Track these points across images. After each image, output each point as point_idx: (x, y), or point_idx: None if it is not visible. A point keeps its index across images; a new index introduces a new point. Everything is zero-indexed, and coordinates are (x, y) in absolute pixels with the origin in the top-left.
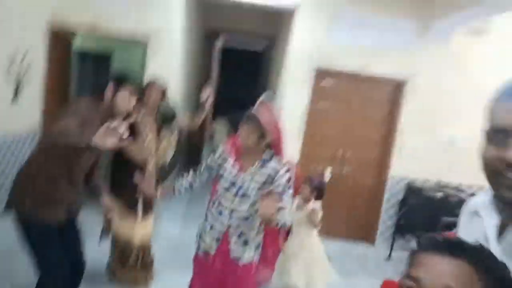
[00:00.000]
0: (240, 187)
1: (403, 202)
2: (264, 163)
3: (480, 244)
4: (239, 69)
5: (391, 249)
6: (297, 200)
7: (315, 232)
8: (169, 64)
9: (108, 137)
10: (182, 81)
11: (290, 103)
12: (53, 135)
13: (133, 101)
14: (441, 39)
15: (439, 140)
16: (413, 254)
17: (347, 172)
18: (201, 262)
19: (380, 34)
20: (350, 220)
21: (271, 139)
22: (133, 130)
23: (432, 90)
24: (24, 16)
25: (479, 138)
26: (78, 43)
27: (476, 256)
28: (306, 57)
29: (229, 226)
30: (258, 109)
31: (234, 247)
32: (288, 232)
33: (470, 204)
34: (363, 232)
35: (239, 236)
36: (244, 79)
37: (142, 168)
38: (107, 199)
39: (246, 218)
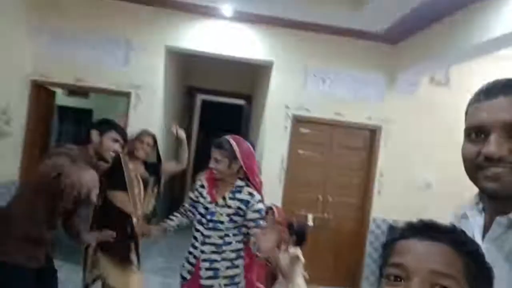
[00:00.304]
0: (212, 216)
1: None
2: (235, 192)
3: (453, 225)
4: (219, 122)
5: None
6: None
7: (299, 280)
8: (150, 117)
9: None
10: (162, 134)
11: (271, 151)
12: (45, 171)
13: (118, 145)
14: (408, 88)
15: (416, 182)
16: (392, 243)
17: (329, 217)
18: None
19: (352, 86)
20: (334, 266)
21: (242, 164)
22: (122, 181)
23: (405, 135)
24: (7, 68)
25: (455, 179)
26: (60, 97)
27: (452, 235)
28: (283, 108)
29: (201, 253)
30: (228, 138)
31: (204, 275)
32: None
33: (457, 211)
34: (348, 277)
35: (210, 266)
36: (224, 131)
37: (129, 219)
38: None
39: (218, 248)
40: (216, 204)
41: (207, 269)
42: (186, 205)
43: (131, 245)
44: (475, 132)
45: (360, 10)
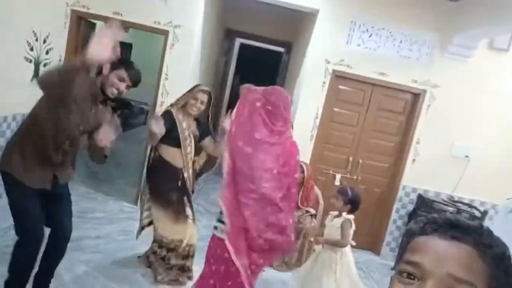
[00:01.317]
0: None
1: (413, 214)
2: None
3: (480, 223)
4: (256, 68)
5: (397, 261)
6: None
7: (347, 249)
8: (186, 58)
9: (102, 50)
10: (199, 74)
11: (305, 105)
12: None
13: (124, 85)
14: (463, 52)
15: (455, 154)
16: (411, 237)
17: (357, 179)
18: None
19: (400, 44)
20: (357, 229)
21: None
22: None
23: (450, 103)
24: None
25: (494, 154)
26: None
27: (477, 236)
28: (323, 61)
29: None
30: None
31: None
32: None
33: (507, 203)
34: (370, 241)
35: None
36: (261, 77)
37: (181, 174)
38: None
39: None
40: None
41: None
42: None
43: (185, 199)
44: None
45: None
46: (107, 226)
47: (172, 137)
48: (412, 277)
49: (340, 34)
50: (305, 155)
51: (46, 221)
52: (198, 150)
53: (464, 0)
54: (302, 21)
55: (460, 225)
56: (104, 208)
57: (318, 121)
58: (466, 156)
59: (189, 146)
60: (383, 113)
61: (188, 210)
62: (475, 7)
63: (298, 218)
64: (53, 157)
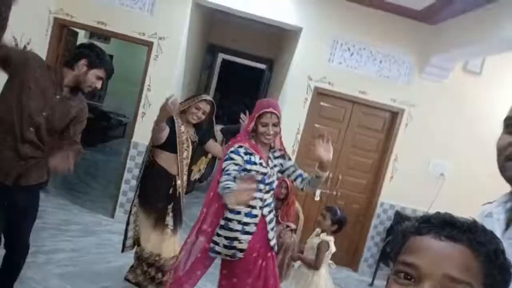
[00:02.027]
0: (268, 179)
1: (390, 230)
2: (273, 152)
3: (473, 220)
4: (238, 84)
5: (374, 276)
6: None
7: (323, 270)
8: (169, 70)
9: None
10: (181, 87)
11: (287, 121)
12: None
13: (101, 82)
14: (439, 74)
15: (431, 172)
16: (406, 236)
17: (336, 195)
18: (231, 264)
19: (380, 64)
20: (335, 245)
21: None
22: (172, 143)
23: (427, 122)
24: (32, 3)
25: (469, 173)
26: (81, 39)
27: (471, 235)
28: (306, 78)
29: (263, 217)
30: (267, 104)
31: (271, 237)
32: None
33: (485, 208)
34: (348, 258)
35: (272, 226)
36: (242, 93)
37: (173, 180)
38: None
39: (270, 207)
40: (269, 166)
41: (271, 229)
42: (235, 167)
43: (169, 207)
44: None
45: None
46: (82, 239)
47: (168, 140)
48: (409, 277)
49: (322, 52)
50: None
51: (3, 229)
52: (196, 158)
53: (440, 24)
54: (284, 38)
55: (454, 223)
56: (80, 221)
57: (299, 136)
58: (442, 175)
59: (186, 151)
60: (363, 130)
61: (169, 220)
62: (451, 30)
63: (279, 233)
64: (20, 150)
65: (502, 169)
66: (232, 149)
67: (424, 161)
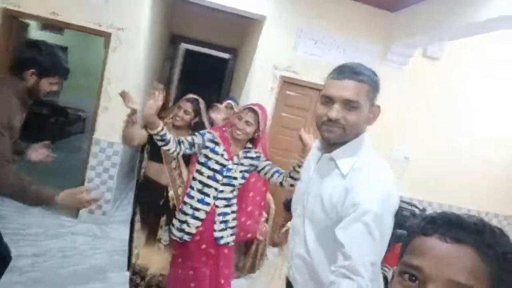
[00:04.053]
0: (228, 172)
1: None
2: (246, 152)
3: (481, 221)
4: (202, 74)
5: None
6: None
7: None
8: (130, 62)
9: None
10: (143, 80)
11: None
12: None
13: (56, 86)
14: (400, 60)
15: (395, 157)
16: (412, 235)
17: None
18: (181, 247)
19: (344, 51)
20: None
21: (261, 131)
22: (157, 152)
23: (390, 108)
24: None
25: (431, 155)
26: (33, 31)
27: (478, 237)
28: (271, 67)
29: (216, 207)
30: (254, 104)
31: (218, 228)
32: None
33: (315, 143)
34: None
35: (223, 219)
36: (206, 84)
37: (165, 191)
38: None
39: (228, 201)
40: (232, 161)
41: (221, 222)
42: (182, 138)
43: (161, 220)
44: (326, 99)
45: None
46: (45, 243)
47: (154, 150)
48: (413, 278)
49: (287, 40)
50: None
51: None
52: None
53: (401, 10)
54: (248, 27)
55: (461, 224)
56: (41, 223)
57: (267, 126)
58: (406, 158)
59: (174, 161)
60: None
61: (162, 233)
62: (411, 17)
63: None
64: None
65: (320, 131)
66: (202, 132)
67: (388, 147)
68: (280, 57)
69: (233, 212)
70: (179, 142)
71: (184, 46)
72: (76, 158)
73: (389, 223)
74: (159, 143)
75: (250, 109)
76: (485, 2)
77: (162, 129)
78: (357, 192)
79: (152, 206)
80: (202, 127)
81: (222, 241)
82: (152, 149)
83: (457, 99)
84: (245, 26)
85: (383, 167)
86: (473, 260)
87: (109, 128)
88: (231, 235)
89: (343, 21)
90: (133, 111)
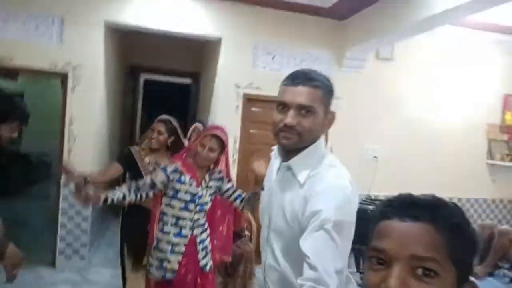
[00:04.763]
0: (199, 199)
1: None
2: (211, 174)
3: (434, 196)
4: (164, 102)
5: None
6: None
7: None
8: (90, 100)
9: None
10: (106, 114)
11: None
12: None
13: (17, 131)
14: (356, 64)
15: (365, 156)
16: (375, 221)
17: None
18: (165, 284)
19: (301, 63)
20: None
21: (223, 158)
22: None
23: (354, 111)
24: None
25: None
26: None
27: (432, 212)
28: (233, 86)
29: (195, 237)
30: (215, 128)
31: (201, 256)
32: None
33: (274, 150)
34: None
35: (203, 246)
36: (171, 110)
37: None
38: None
39: (203, 227)
40: (201, 187)
41: (202, 249)
42: (141, 183)
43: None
44: (281, 106)
45: None
46: None
47: (133, 175)
48: (381, 262)
49: (245, 58)
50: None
51: None
52: None
53: (349, 18)
54: (207, 50)
55: (417, 203)
56: (18, 280)
57: (237, 145)
58: (375, 157)
59: None
60: None
61: (148, 259)
62: (359, 23)
63: (237, 245)
64: None
65: (276, 138)
66: (162, 166)
67: (357, 148)
68: (240, 75)
69: (208, 236)
70: (138, 189)
71: (144, 76)
72: (45, 206)
73: (350, 228)
74: (118, 204)
75: (214, 135)
76: (426, 1)
77: (106, 199)
78: (316, 201)
79: (140, 231)
80: (181, 146)
81: (207, 268)
82: (133, 175)
83: (412, 96)
84: (204, 50)
85: (339, 172)
86: (431, 233)
87: (76, 168)
88: (210, 258)
89: (297, 34)
90: (80, 183)
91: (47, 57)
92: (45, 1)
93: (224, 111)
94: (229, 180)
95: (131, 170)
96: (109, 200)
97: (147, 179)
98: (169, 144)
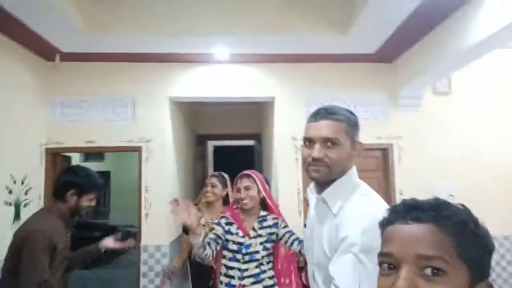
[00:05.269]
0: (247, 248)
1: None
2: (261, 222)
3: (436, 198)
4: (233, 165)
5: None
6: None
7: None
8: (161, 169)
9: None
10: (177, 181)
11: (285, 184)
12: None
13: (95, 200)
14: (412, 102)
15: (438, 195)
16: (382, 229)
17: None
18: None
19: (355, 108)
20: None
21: (263, 191)
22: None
23: (418, 150)
24: (23, 140)
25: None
26: (75, 163)
27: (434, 212)
28: (290, 140)
29: (241, 287)
30: (244, 172)
31: None
32: None
33: (310, 186)
34: None
35: None
36: (238, 172)
37: (210, 272)
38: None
39: (256, 277)
40: (249, 236)
41: None
42: (213, 237)
43: None
44: (308, 141)
45: (347, 34)
46: None
47: None
48: (391, 266)
49: (299, 112)
50: (298, 231)
51: None
52: None
53: (397, 59)
54: (265, 111)
55: (418, 206)
56: None
57: (301, 196)
58: (451, 195)
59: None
60: (360, 174)
61: None
62: (408, 62)
63: None
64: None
65: (308, 173)
66: (216, 220)
67: (428, 187)
68: (297, 129)
69: (266, 287)
70: (208, 244)
71: (211, 143)
72: (131, 272)
73: None
74: (200, 251)
75: (241, 175)
76: (472, 26)
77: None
78: (344, 226)
79: (200, 285)
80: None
81: None
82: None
83: (475, 127)
84: (262, 111)
85: (371, 199)
86: (434, 233)
87: (154, 232)
88: None
89: (348, 82)
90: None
91: (124, 135)
92: (119, 86)
93: (284, 165)
94: (286, 226)
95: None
96: (202, 238)
97: (211, 235)
98: (223, 196)
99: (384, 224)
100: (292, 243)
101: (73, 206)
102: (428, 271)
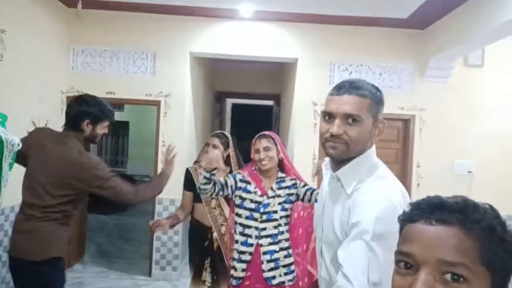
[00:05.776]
0: (265, 208)
1: None
2: (280, 182)
3: (463, 199)
4: (250, 124)
5: None
6: None
7: None
8: (179, 124)
9: None
10: (195, 137)
11: (301, 148)
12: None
13: (107, 129)
14: (441, 74)
15: (457, 172)
16: (402, 225)
17: None
18: None
19: (380, 76)
20: None
21: (281, 152)
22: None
23: (440, 123)
24: (45, 87)
25: (492, 167)
26: None
27: (461, 215)
28: (310, 104)
29: (260, 247)
30: (263, 133)
31: (266, 268)
32: None
33: (326, 161)
34: None
35: (270, 257)
36: (256, 131)
37: (208, 232)
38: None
39: (273, 238)
40: (267, 196)
41: (268, 261)
42: (223, 182)
43: (206, 262)
44: (327, 116)
45: None
46: None
47: (194, 193)
48: (409, 265)
49: (321, 76)
50: None
51: None
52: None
53: (430, 26)
54: (286, 72)
55: (444, 206)
56: (118, 285)
57: (316, 161)
58: (469, 172)
59: (214, 200)
60: (379, 144)
61: (206, 275)
62: (442, 31)
63: None
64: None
65: (324, 149)
66: (233, 173)
67: (447, 162)
68: (318, 93)
69: (282, 249)
70: (214, 183)
71: (230, 101)
72: (145, 221)
73: (394, 241)
74: (203, 182)
75: (260, 136)
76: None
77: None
78: (357, 212)
79: (197, 247)
80: (239, 161)
81: (274, 282)
82: (193, 191)
83: (505, 104)
84: (283, 72)
85: (388, 183)
86: (459, 237)
87: (168, 186)
88: (287, 274)
89: (375, 47)
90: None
91: (143, 88)
92: (140, 39)
93: (302, 129)
94: (305, 184)
95: (193, 188)
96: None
97: (221, 179)
98: (225, 157)
99: (405, 220)
100: (316, 200)
101: (89, 135)
102: (448, 276)
